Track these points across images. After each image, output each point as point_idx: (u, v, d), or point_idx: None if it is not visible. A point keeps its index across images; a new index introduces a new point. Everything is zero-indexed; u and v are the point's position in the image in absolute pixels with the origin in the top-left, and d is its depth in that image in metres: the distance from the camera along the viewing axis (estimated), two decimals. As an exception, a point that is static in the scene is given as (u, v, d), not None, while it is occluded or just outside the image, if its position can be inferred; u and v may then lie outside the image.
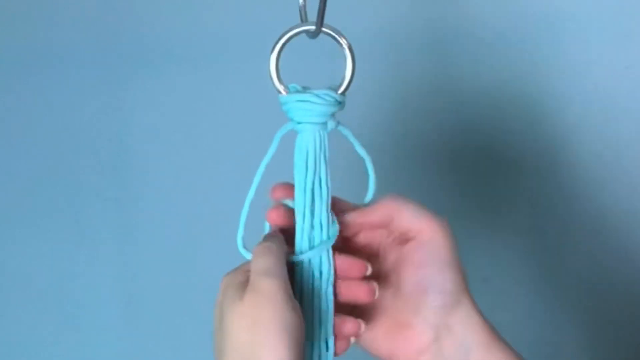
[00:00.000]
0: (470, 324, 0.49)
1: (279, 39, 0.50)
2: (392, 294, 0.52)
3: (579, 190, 0.80)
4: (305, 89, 0.51)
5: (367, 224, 0.53)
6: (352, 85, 0.51)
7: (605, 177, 0.79)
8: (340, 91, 0.51)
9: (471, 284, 0.50)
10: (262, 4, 0.84)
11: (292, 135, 0.52)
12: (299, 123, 0.51)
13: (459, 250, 0.51)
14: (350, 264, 0.51)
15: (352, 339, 0.51)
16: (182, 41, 0.88)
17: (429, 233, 0.50)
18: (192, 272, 0.91)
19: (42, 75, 0.91)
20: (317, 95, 0.50)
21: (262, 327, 0.43)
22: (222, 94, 0.88)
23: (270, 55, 0.50)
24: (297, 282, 0.51)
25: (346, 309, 0.52)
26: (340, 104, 0.51)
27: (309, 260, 0.51)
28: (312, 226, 0.51)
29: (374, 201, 0.54)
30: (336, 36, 0.50)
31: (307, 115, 0.50)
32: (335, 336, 0.50)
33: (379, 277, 0.53)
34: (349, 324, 0.50)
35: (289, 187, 0.52)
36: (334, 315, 0.50)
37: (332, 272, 0.51)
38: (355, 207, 0.54)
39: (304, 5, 0.51)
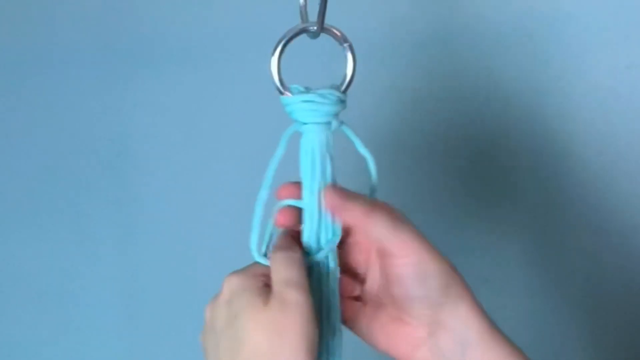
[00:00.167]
0: (465, 319, 0.48)
1: (281, 39, 0.50)
2: (384, 293, 0.52)
3: (579, 190, 0.80)
4: (307, 90, 0.50)
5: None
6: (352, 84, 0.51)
7: (605, 177, 0.78)
8: (342, 90, 0.51)
9: (471, 284, 0.50)
10: (261, 4, 0.84)
11: (291, 134, 0.52)
12: (304, 124, 0.50)
13: (453, 245, 0.52)
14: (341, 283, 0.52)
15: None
16: (182, 41, 0.88)
17: (401, 251, 0.49)
18: (192, 272, 0.91)
19: (42, 75, 0.91)
20: (322, 95, 0.50)
21: (287, 340, 0.44)
22: (222, 94, 0.88)
23: (271, 57, 0.50)
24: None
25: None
26: (343, 103, 0.51)
27: (316, 260, 0.51)
28: (319, 225, 0.51)
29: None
30: (337, 36, 0.50)
31: (312, 115, 0.50)
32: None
33: (371, 274, 0.54)
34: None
35: (295, 187, 0.52)
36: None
37: (337, 268, 0.52)
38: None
39: (305, 6, 0.51)
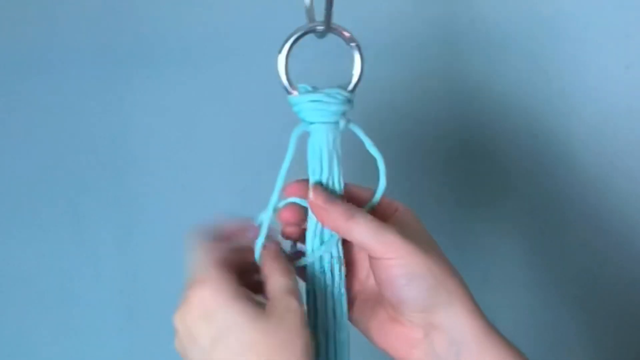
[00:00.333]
0: (459, 321, 0.48)
1: (288, 39, 0.50)
2: (379, 293, 0.52)
3: (578, 189, 0.80)
4: (315, 89, 0.51)
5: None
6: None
7: (605, 176, 0.79)
8: (349, 89, 0.51)
9: (471, 284, 0.50)
10: (261, 4, 0.84)
11: (299, 134, 0.52)
12: (311, 123, 0.51)
13: (442, 244, 0.51)
14: None
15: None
16: (182, 41, 0.88)
17: (386, 254, 0.49)
18: (192, 272, 0.91)
19: (42, 75, 0.91)
20: (329, 95, 0.50)
21: (291, 346, 0.45)
22: (222, 94, 0.88)
23: (278, 56, 0.50)
24: (309, 277, 0.52)
25: None
26: (351, 102, 0.51)
27: (321, 256, 0.52)
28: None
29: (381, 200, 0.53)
30: (345, 36, 0.51)
31: (320, 115, 0.50)
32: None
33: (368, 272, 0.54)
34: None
35: (303, 185, 0.52)
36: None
37: (343, 265, 0.52)
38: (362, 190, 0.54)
39: (311, 5, 0.51)
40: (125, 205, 0.93)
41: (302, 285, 0.52)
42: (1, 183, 0.94)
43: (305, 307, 0.52)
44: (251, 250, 0.51)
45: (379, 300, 0.53)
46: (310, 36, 0.51)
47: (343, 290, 0.52)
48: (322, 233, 0.52)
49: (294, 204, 0.52)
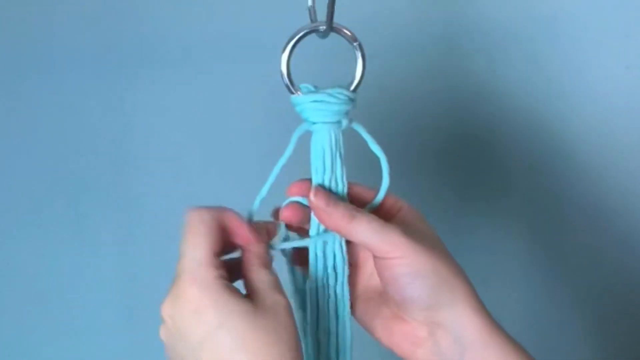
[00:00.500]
0: (463, 319, 0.49)
1: (290, 39, 0.50)
2: (383, 292, 0.53)
3: (578, 189, 0.80)
4: (317, 89, 0.51)
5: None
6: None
7: (604, 176, 0.79)
8: (351, 89, 0.51)
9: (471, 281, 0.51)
10: (261, 4, 0.84)
11: (301, 134, 0.52)
12: (314, 123, 0.51)
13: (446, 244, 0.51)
14: None
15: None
16: (183, 41, 0.88)
17: (388, 254, 0.49)
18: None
19: (43, 75, 0.91)
20: (331, 95, 0.50)
21: (285, 339, 0.45)
22: (223, 94, 0.88)
23: (281, 56, 0.50)
24: (312, 276, 0.52)
25: None
26: (353, 101, 0.51)
27: (323, 254, 0.52)
28: None
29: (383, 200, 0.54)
30: (347, 35, 0.51)
31: (322, 115, 0.50)
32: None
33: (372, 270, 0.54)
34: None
35: (305, 185, 0.52)
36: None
37: (346, 267, 0.52)
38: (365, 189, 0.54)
39: (313, 6, 0.51)
40: (125, 205, 0.92)
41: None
42: (1, 183, 0.94)
43: (308, 306, 0.52)
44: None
45: (384, 298, 0.53)
46: (313, 36, 0.51)
47: (346, 289, 0.53)
48: (324, 233, 0.52)
49: (297, 203, 0.52)
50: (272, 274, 0.49)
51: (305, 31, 0.50)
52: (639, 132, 0.77)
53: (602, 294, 0.81)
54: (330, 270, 0.52)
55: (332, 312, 0.52)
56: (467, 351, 0.48)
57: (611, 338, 0.82)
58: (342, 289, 0.52)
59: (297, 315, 0.50)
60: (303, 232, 0.54)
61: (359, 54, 0.51)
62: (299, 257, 0.54)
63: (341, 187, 0.52)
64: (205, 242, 0.47)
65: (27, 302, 0.95)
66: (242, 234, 0.50)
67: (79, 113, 0.91)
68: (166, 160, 0.91)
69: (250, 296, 0.47)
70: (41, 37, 0.90)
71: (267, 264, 0.50)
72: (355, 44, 0.51)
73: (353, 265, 0.54)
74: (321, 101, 0.50)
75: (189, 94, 0.89)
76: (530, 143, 0.80)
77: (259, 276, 0.48)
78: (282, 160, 0.51)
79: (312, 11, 0.51)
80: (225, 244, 0.49)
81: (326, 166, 0.51)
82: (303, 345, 0.50)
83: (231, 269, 0.48)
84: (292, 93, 0.51)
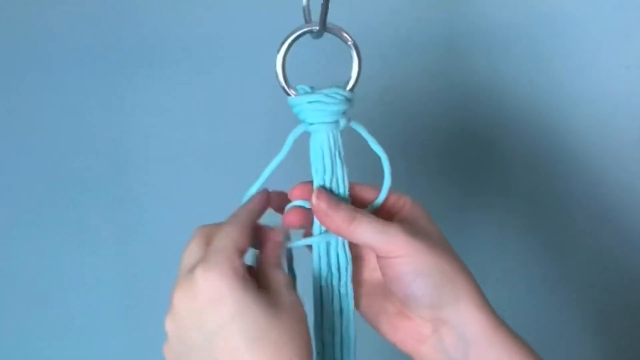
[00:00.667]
0: (466, 316, 0.49)
1: (284, 40, 0.50)
2: (387, 288, 0.52)
3: (578, 189, 0.80)
4: (313, 90, 0.51)
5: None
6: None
7: (604, 176, 0.79)
8: (348, 89, 0.51)
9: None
10: (261, 4, 0.84)
11: (299, 135, 0.52)
12: (311, 124, 0.51)
13: (448, 241, 0.51)
14: None
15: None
16: (182, 41, 0.88)
17: (391, 253, 0.49)
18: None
19: (43, 75, 0.91)
20: (327, 95, 0.50)
21: (297, 345, 0.45)
22: (222, 94, 0.88)
23: (276, 57, 0.50)
24: (316, 276, 0.52)
25: None
26: (350, 101, 0.51)
27: (327, 254, 0.52)
28: None
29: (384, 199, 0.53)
30: (341, 35, 0.50)
31: (319, 115, 0.50)
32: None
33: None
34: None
35: (307, 187, 0.52)
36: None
37: (350, 267, 0.52)
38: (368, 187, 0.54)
39: (308, 6, 0.51)
40: (125, 205, 0.93)
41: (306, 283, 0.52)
42: (1, 183, 0.94)
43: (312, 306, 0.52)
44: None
45: (388, 294, 0.53)
46: (310, 37, 0.51)
47: (350, 289, 0.53)
48: (327, 234, 0.52)
49: (299, 207, 0.52)
50: (285, 275, 0.49)
51: (298, 32, 0.50)
52: (639, 132, 0.77)
53: (603, 292, 0.81)
54: (334, 269, 0.52)
55: (336, 311, 0.52)
56: (472, 348, 0.49)
57: (612, 336, 0.82)
58: (345, 289, 0.53)
59: None
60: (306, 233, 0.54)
61: (354, 54, 0.51)
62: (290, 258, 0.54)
63: (342, 188, 0.51)
64: (233, 236, 0.47)
65: (27, 302, 0.96)
66: (263, 235, 0.51)
67: (79, 113, 0.92)
68: (166, 160, 0.91)
69: (268, 295, 0.47)
70: (41, 36, 0.91)
71: (281, 264, 0.50)
72: (349, 43, 0.51)
73: (356, 258, 0.54)
74: (318, 102, 0.50)
75: (189, 94, 0.89)
76: (531, 143, 0.80)
77: (275, 275, 0.48)
78: (277, 161, 0.51)
79: (306, 11, 0.51)
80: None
81: (326, 167, 0.51)
82: None
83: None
84: (288, 94, 0.51)
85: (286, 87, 0.51)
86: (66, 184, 0.93)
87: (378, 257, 0.50)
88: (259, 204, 0.51)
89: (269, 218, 0.53)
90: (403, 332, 0.51)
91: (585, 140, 0.79)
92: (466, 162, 0.83)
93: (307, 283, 0.52)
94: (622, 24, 0.76)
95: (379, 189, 0.53)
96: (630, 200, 0.79)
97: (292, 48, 0.51)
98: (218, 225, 0.49)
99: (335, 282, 0.52)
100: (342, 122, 0.51)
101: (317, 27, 0.50)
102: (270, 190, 0.53)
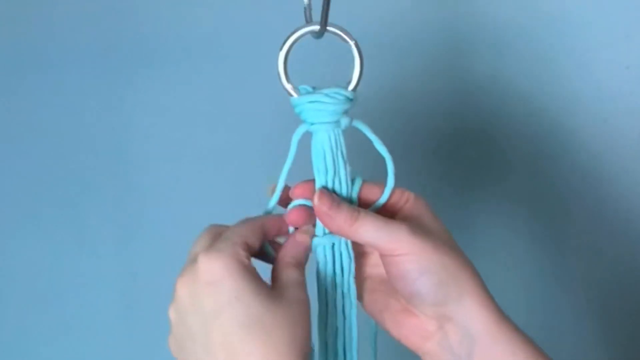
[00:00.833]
0: (470, 313, 0.49)
1: (286, 40, 0.50)
2: (390, 286, 0.52)
3: (578, 189, 0.80)
4: (315, 90, 0.50)
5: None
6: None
7: (605, 176, 0.79)
8: (350, 88, 0.51)
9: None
10: (261, 5, 0.84)
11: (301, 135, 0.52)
12: (312, 124, 0.50)
13: (451, 238, 0.51)
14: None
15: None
16: (183, 42, 0.88)
17: (394, 251, 0.49)
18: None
19: (43, 74, 0.91)
20: (327, 95, 0.50)
21: (293, 337, 0.45)
22: (223, 94, 0.88)
23: (278, 57, 0.50)
24: (319, 276, 0.52)
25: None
26: (352, 101, 0.51)
27: (332, 255, 0.52)
28: None
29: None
30: (342, 35, 0.50)
31: (321, 115, 0.50)
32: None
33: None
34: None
35: (309, 186, 0.52)
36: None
37: (352, 265, 0.52)
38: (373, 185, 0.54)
39: (309, 5, 0.51)
40: (125, 205, 0.93)
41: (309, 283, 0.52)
42: (1, 183, 0.94)
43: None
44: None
45: (392, 291, 0.53)
46: (310, 37, 0.51)
47: (353, 288, 0.53)
48: (331, 235, 0.52)
49: (302, 206, 0.52)
50: (301, 275, 0.49)
51: (299, 32, 0.50)
52: (639, 132, 0.77)
53: (604, 291, 0.81)
54: (337, 269, 0.52)
55: (339, 310, 0.52)
56: (476, 344, 0.49)
57: (615, 335, 0.82)
58: (348, 288, 0.53)
59: None
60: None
61: (355, 53, 0.51)
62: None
63: (345, 187, 0.51)
64: (242, 232, 0.48)
65: (27, 302, 0.96)
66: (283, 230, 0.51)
67: (79, 113, 0.92)
68: (166, 160, 0.91)
69: (273, 289, 0.47)
70: (41, 37, 0.91)
71: (300, 262, 0.50)
72: (351, 42, 0.51)
73: (359, 255, 0.54)
74: (318, 102, 0.50)
75: (189, 94, 0.89)
76: (531, 142, 0.80)
77: (287, 272, 0.49)
78: (287, 165, 0.51)
79: (307, 11, 0.51)
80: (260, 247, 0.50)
81: (328, 167, 0.51)
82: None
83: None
84: (290, 94, 0.51)
85: (288, 87, 0.51)
86: (66, 184, 0.93)
87: (381, 255, 0.50)
88: (273, 223, 0.51)
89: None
90: (408, 328, 0.51)
91: (586, 140, 0.79)
92: (466, 162, 0.83)
93: (309, 282, 0.52)
94: (623, 23, 0.76)
95: (382, 185, 0.53)
96: (630, 200, 0.79)
97: (293, 48, 0.51)
98: (229, 225, 0.50)
99: (338, 281, 0.52)
100: (344, 122, 0.51)
101: (319, 27, 0.50)
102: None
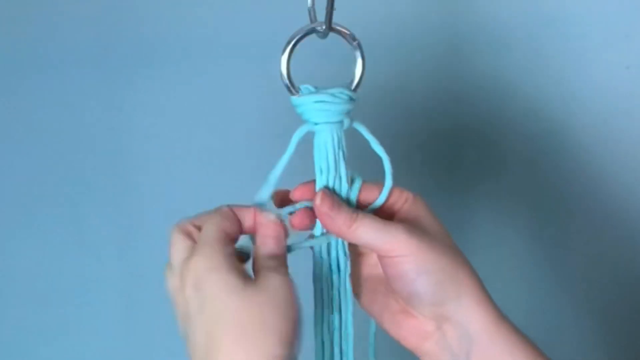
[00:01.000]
0: (469, 313, 0.49)
1: (290, 40, 0.50)
2: (388, 286, 0.53)
3: (578, 189, 0.80)
4: (317, 90, 0.51)
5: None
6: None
7: (605, 176, 0.79)
8: (352, 88, 0.51)
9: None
10: (261, 5, 0.84)
11: (303, 135, 0.52)
12: (316, 124, 0.51)
13: (450, 238, 0.51)
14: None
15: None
16: (183, 42, 0.88)
17: (392, 252, 0.49)
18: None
19: (43, 75, 0.91)
20: (333, 95, 0.50)
21: (274, 326, 0.44)
22: (223, 94, 0.88)
23: (281, 57, 0.50)
24: (316, 275, 0.53)
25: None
26: (354, 101, 0.51)
27: (328, 254, 0.52)
28: None
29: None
30: (346, 35, 0.51)
31: (325, 115, 0.50)
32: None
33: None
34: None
35: (309, 187, 0.52)
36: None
37: (348, 265, 0.52)
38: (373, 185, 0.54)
39: (313, 6, 0.51)
40: (125, 205, 0.92)
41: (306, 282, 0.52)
42: (1, 183, 0.94)
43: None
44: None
45: (390, 291, 0.53)
46: (314, 36, 0.51)
47: (349, 286, 0.53)
48: (328, 235, 0.52)
49: (305, 210, 0.52)
50: (280, 264, 0.48)
51: (304, 32, 0.50)
52: (639, 132, 0.77)
53: (604, 292, 0.82)
54: (334, 268, 0.53)
55: (335, 309, 0.53)
56: (475, 344, 0.49)
57: (615, 335, 0.82)
58: (344, 287, 0.53)
59: None
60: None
61: (358, 54, 0.51)
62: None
63: (345, 187, 0.52)
64: (220, 223, 0.48)
65: (27, 302, 0.95)
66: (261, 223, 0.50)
67: (79, 113, 0.91)
68: (166, 160, 0.91)
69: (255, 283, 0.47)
70: (41, 37, 0.90)
71: (277, 253, 0.49)
72: (354, 43, 0.51)
73: (358, 255, 0.55)
74: (323, 101, 0.50)
75: (189, 94, 0.89)
76: (531, 143, 0.81)
77: (265, 259, 0.48)
78: (283, 162, 0.51)
79: (311, 12, 0.51)
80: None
81: (330, 166, 0.51)
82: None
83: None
84: (292, 94, 0.51)
85: (291, 87, 0.51)
86: (66, 184, 0.93)
87: (379, 256, 0.50)
88: (247, 212, 0.51)
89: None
90: (406, 329, 0.52)
91: (586, 140, 0.79)
92: (466, 162, 0.83)
93: (307, 282, 0.52)
94: (623, 24, 0.76)
95: (380, 185, 0.53)
96: (630, 200, 0.79)
97: (298, 48, 0.51)
98: (194, 219, 0.51)
99: (334, 279, 0.53)
100: (346, 122, 0.51)
101: (323, 27, 0.50)
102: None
